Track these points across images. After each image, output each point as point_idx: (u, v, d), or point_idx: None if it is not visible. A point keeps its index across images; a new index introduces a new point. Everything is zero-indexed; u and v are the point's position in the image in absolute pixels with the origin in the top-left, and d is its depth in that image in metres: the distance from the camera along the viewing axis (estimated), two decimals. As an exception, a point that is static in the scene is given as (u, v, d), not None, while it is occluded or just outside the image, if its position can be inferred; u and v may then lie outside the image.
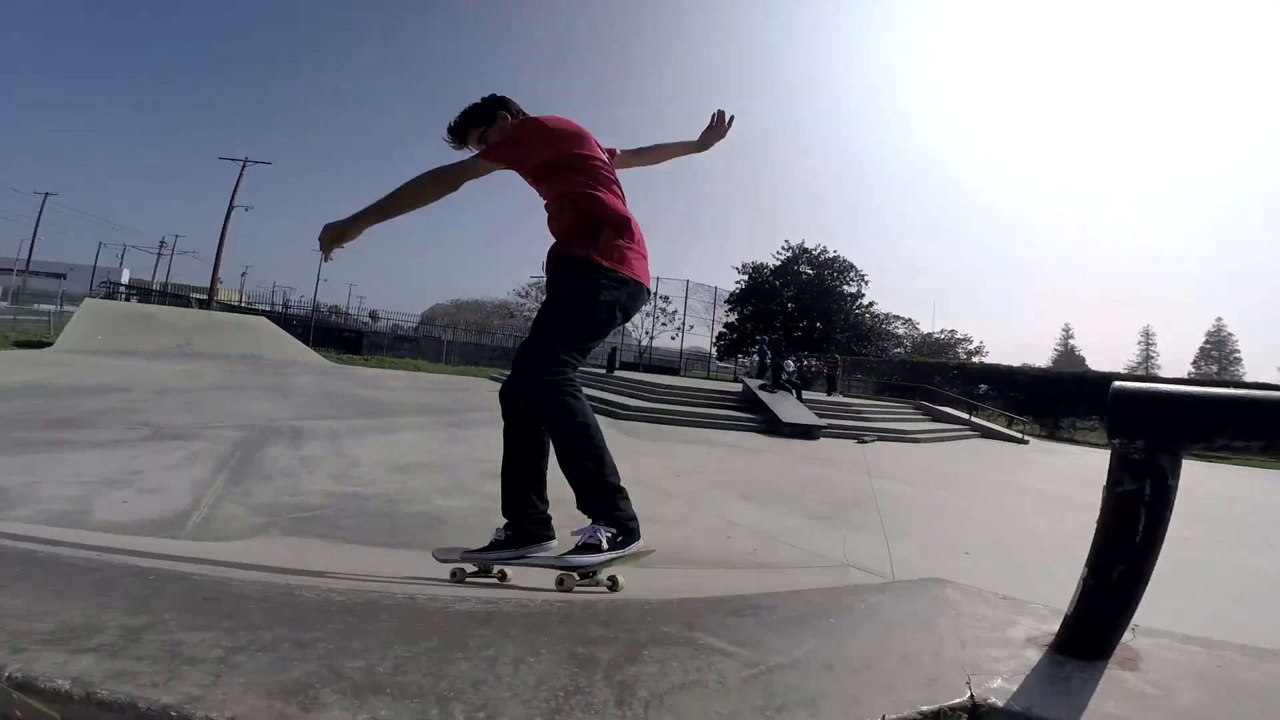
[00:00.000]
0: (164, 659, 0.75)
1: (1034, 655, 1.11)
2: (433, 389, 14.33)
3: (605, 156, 2.25)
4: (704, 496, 6.16)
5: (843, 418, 15.15)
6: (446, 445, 7.31)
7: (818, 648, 1.11)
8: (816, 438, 12.89)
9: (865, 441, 12.96)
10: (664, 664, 0.95)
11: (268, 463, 5.40)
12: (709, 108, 2.65)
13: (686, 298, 41.16)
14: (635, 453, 8.52)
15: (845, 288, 40.64)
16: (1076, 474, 10.79)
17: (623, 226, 2.11)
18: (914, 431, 14.78)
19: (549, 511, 2.27)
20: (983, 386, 25.95)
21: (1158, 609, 1.21)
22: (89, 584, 1.02)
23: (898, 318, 46.36)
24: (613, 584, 2.09)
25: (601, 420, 9.67)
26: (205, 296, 30.34)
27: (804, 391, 16.75)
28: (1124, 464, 1.10)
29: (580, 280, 2.03)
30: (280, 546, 3.26)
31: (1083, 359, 76.32)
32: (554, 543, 2.17)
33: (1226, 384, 24.49)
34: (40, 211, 41.78)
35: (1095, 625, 1.11)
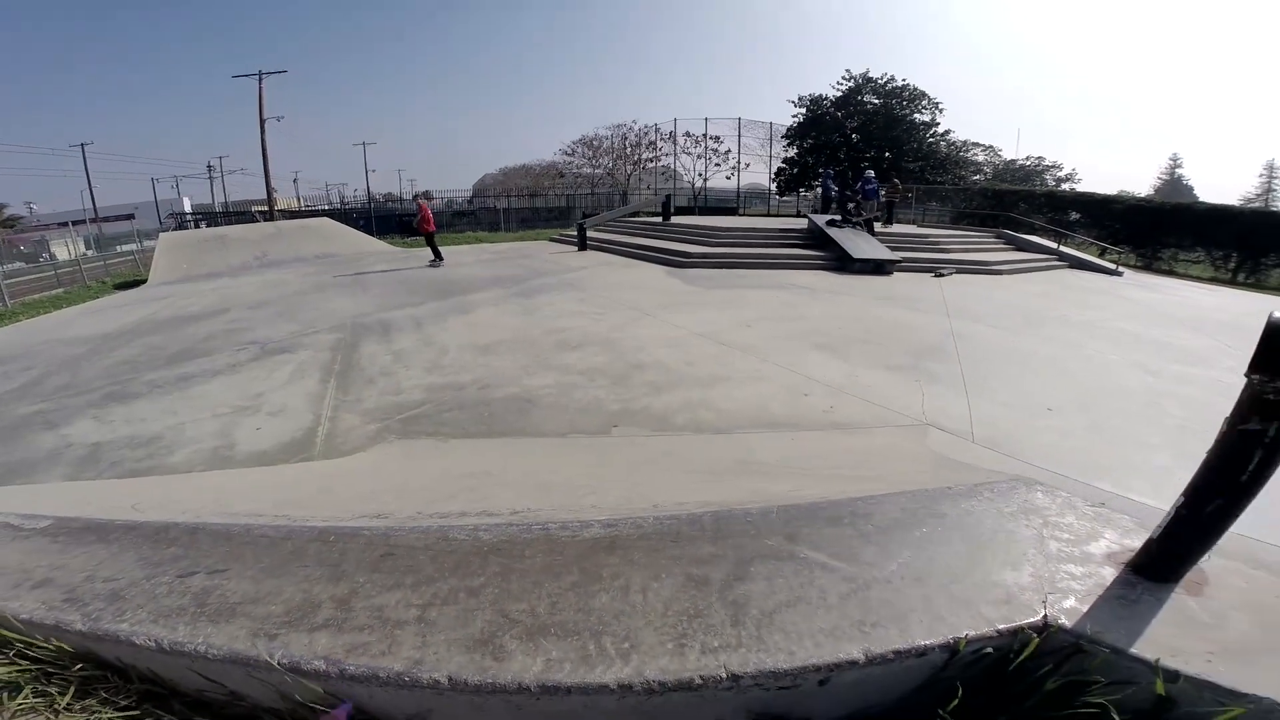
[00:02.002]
0: (377, 626, 0.96)
1: (1110, 574, 1.16)
2: (498, 260, 14.58)
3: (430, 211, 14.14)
4: (776, 348, 6.09)
5: (918, 249, 14.23)
6: (521, 318, 7.60)
7: (910, 561, 1.18)
8: (889, 273, 12.36)
9: (943, 275, 12.32)
10: (771, 580, 1.07)
11: (366, 363, 5.83)
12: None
13: (740, 135, 38.40)
14: (701, 304, 8.50)
15: (917, 116, 36.84)
16: (1174, 313, 9.84)
17: (432, 221, 13.79)
18: (996, 263, 13.66)
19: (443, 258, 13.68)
20: (1074, 215, 23.42)
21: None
22: (286, 554, 1.27)
23: (977, 144, 41.88)
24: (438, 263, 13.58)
25: (661, 270, 9.57)
26: (265, 208, 31.17)
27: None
28: (1255, 402, 1.05)
29: (428, 235, 13.59)
30: (400, 451, 3.65)
31: (1190, 189, 68.00)
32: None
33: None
34: (85, 161, 42.43)
35: (1176, 552, 1.14)
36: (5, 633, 1.12)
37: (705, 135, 39.03)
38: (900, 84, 36.83)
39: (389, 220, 26.96)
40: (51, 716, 1.02)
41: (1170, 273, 19.76)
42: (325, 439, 4.12)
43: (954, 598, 1.07)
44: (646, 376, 5.21)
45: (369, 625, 0.97)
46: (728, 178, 39.89)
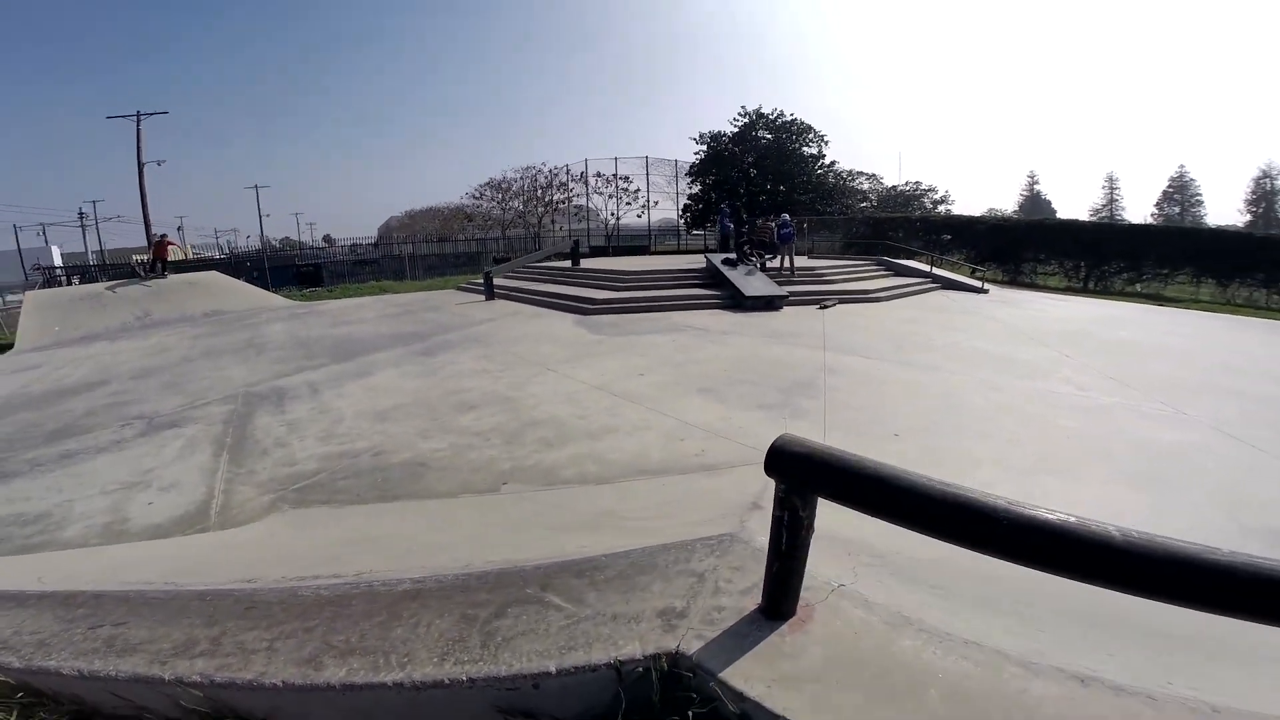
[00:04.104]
0: (239, 653, 1.38)
1: (745, 613, 1.52)
2: (403, 314, 14.43)
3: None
4: (663, 396, 6.54)
5: (806, 282, 15.46)
6: (421, 380, 7.70)
7: (614, 603, 1.58)
8: (779, 308, 13.27)
9: (827, 307, 13.34)
10: (518, 618, 1.53)
11: (260, 434, 5.89)
12: None
13: (648, 174, 40.43)
14: (602, 353, 8.90)
15: (805, 149, 40.12)
16: (1024, 328, 11.02)
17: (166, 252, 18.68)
18: (875, 291, 14.99)
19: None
20: (946, 236, 26.01)
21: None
22: (174, 610, 1.65)
23: (861, 174, 46.10)
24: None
25: (569, 318, 10.24)
26: (146, 258, 29.44)
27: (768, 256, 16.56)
28: (775, 498, 1.49)
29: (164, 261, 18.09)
30: (293, 520, 3.88)
31: (1049, 203, 77.77)
32: None
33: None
34: None
35: (774, 598, 1.53)
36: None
37: (615, 175, 40.57)
38: (789, 118, 39.93)
39: (285, 271, 26.00)
40: (-1, 736, 1.36)
41: (1032, 285, 22.26)
42: (220, 511, 4.25)
43: (631, 631, 1.47)
44: (540, 433, 5.48)
45: (233, 653, 1.40)
46: (638, 215, 41.50)
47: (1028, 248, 24.14)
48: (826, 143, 40.47)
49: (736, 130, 40.24)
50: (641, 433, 5.48)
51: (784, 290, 14.07)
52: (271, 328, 13.28)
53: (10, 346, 13.38)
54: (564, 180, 42.82)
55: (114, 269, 26.27)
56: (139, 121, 28.52)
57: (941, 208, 44.62)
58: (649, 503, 3.83)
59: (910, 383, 7.09)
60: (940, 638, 1.48)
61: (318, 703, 1.31)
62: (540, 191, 43.79)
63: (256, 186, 57.80)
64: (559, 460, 4.91)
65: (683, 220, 42.18)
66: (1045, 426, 5.63)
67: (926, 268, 18.50)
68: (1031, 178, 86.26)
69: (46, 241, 46.99)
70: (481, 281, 17.24)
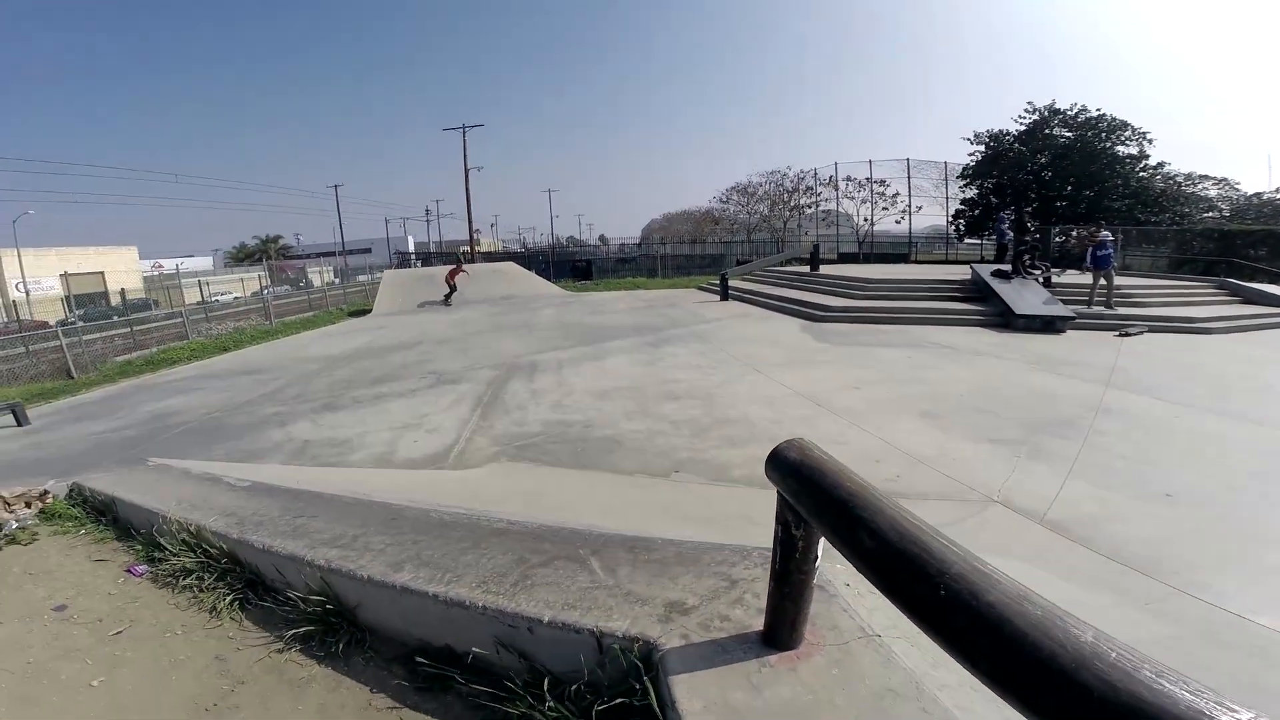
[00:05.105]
0: (361, 550, 1.81)
1: (752, 630, 1.42)
2: (646, 308, 15.81)
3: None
4: (874, 413, 6.01)
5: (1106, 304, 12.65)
6: (643, 368, 8.34)
7: (639, 582, 1.61)
8: (1061, 330, 11.13)
9: (1130, 334, 10.73)
10: (556, 569, 1.69)
11: (509, 398, 7.04)
12: None
13: (909, 176, 36.92)
14: (821, 361, 8.49)
15: (1119, 148, 32.75)
16: None
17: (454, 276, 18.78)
18: (1206, 320, 11.52)
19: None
20: None
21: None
22: (348, 512, 2.22)
23: (1207, 178, 35.72)
24: None
25: (796, 324, 9.87)
26: (468, 249, 36.81)
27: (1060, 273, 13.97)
28: (776, 509, 1.33)
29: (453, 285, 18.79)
30: (503, 470, 4.63)
31: None
32: None
33: None
34: (337, 201, 53.61)
35: (770, 624, 1.40)
36: (201, 537, 2.15)
37: (870, 179, 37.99)
38: (1095, 114, 33.09)
39: (564, 265, 30.07)
40: (199, 590, 2.00)
41: None
42: (458, 455, 5.23)
43: (631, 611, 1.49)
44: (726, 431, 5.55)
45: (356, 549, 1.84)
46: (897, 221, 38.29)
47: None
48: (1150, 141, 32.53)
49: (1024, 128, 34.75)
50: (832, 446, 4.90)
51: (1069, 311, 11.70)
52: (544, 312, 15.61)
53: (370, 311, 18.03)
54: (810, 184, 41.36)
55: (448, 255, 33.47)
56: (464, 134, 35.35)
57: (1332, 221, 31.94)
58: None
59: (1217, 436, 5.37)
60: (941, 727, 1.16)
61: (386, 599, 1.67)
62: (786, 195, 42.97)
63: (549, 191, 68.41)
64: (734, 459, 4.91)
65: (953, 227, 37.56)
66: None
67: (1292, 296, 13.47)
68: None
69: (405, 232, 62.72)
70: (718, 283, 17.74)
